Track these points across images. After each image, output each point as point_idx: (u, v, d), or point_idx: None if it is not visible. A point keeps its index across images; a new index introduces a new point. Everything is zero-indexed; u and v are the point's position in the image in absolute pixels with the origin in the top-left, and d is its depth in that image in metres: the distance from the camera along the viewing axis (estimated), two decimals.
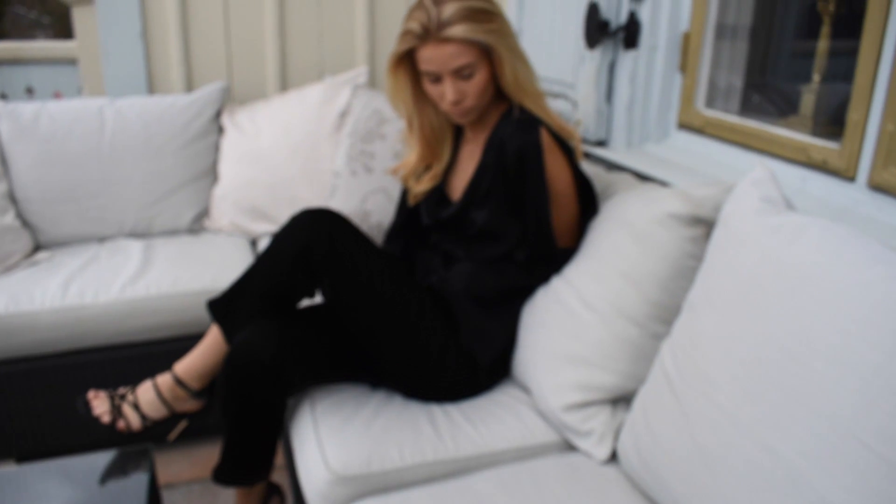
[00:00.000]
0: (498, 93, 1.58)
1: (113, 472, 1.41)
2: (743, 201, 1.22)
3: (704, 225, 1.35)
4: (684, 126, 2.02)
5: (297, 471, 1.47)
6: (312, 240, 1.47)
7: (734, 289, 1.12)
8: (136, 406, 1.55)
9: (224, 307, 1.54)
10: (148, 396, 1.56)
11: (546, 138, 1.49)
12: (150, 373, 2.01)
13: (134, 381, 2.01)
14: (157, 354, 2.01)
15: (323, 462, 1.33)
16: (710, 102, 2.01)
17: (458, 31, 1.43)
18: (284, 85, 2.70)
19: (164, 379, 1.56)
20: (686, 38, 1.98)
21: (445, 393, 1.52)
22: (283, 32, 2.67)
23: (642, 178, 1.86)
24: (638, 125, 2.08)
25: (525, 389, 1.55)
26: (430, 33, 1.45)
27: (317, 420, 1.44)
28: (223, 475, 1.54)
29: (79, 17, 2.96)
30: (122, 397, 1.56)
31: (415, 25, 1.47)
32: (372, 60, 2.73)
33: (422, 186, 1.73)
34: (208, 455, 2.11)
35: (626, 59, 2.05)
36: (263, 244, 2.33)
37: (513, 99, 1.56)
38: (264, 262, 1.53)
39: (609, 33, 2.02)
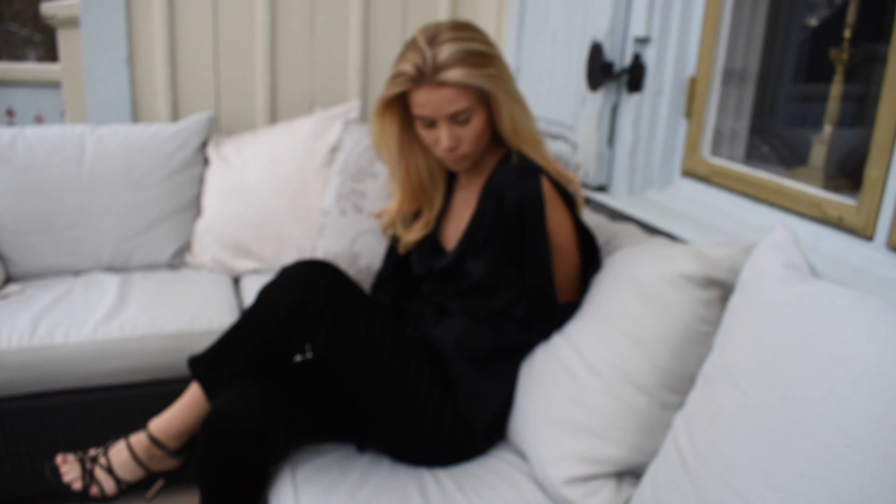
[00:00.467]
0: (494, 137, 1.51)
1: None
2: (764, 266, 1.13)
3: (720, 288, 1.26)
4: (689, 173, 1.95)
5: None
6: (308, 294, 1.37)
7: (757, 364, 1.03)
8: (109, 469, 1.44)
9: (206, 364, 1.43)
10: (122, 458, 1.45)
11: (547, 187, 1.41)
12: (123, 418, 1.91)
13: (105, 427, 1.90)
14: (130, 399, 1.90)
15: None
16: (716, 149, 1.94)
17: (454, 75, 1.36)
18: (274, 117, 2.62)
19: (138, 438, 1.45)
20: (692, 83, 1.91)
21: (438, 457, 1.42)
22: (274, 63, 2.58)
23: (646, 228, 1.77)
24: (640, 171, 2.01)
25: (521, 455, 1.45)
26: (424, 76, 1.37)
27: (298, 488, 1.33)
28: None
29: (64, 39, 2.88)
30: (94, 460, 1.45)
31: (408, 67, 1.39)
32: (364, 94, 2.65)
33: (412, 235, 1.65)
34: None
35: (630, 102, 1.98)
36: (247, 282, 2.23)
37: (510, 144, 1.49)
38: (253, 317, 1.43)
39: (613, 75, 1.95)
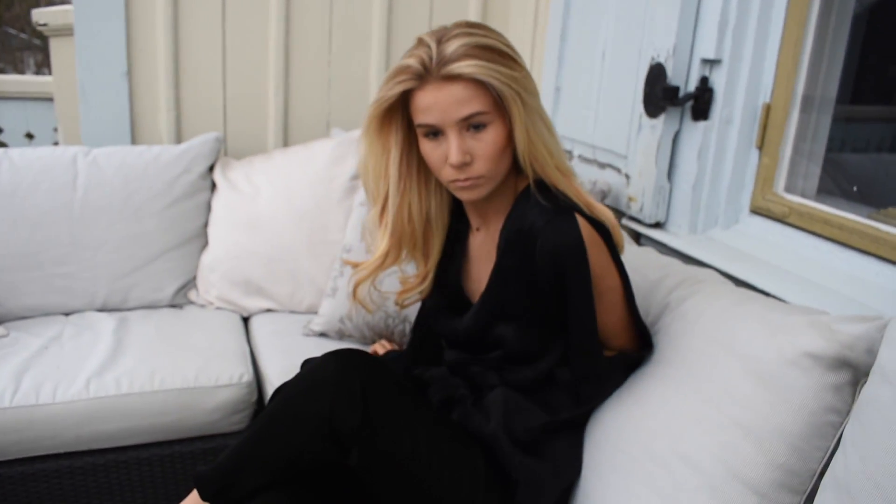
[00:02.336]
0: (515, 166, 1.24)
1: None
2: None
3: (851, 371, 1.04)
4: (759, 211, 1.73)
5: None
6: (340, 406, 1.10)
7: None
8: None
9: (220, 483, 1.14)
10: None
11: (585, 228, 1.16)
12: (118, 486, 1.67)
13: (98, 496, 1.66)
14: (126, 464, 1.67)
15: None
16: (790, 185, 1.72)
17: (464, 67, 1.10)
18: (287, 139, 2.39)
19: None
20: (767, 111, 1.69)
21: None
22: (288, 80, 2.35)
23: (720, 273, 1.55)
24: (704, 207, 1.79)
25: None
26: (430, 72, 1.12)
27: None
28: None
29: (57, 49, 2.65)
30: None
31: (411, 62, 1.13)
32: None
33: (407, 293, 1.42)
34: None
35: (695, 130, 1.76)
36: (257, 323, 2.00)
37: (531, 170, 1.19)
38: (272, 430, 1.14)
39: (677, 101, 1.73)
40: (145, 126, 2.29)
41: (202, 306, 2.07)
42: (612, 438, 1.23)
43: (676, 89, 1.73)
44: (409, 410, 1.17)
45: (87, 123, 2.21)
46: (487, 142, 1.15)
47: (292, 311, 2.05)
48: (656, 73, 1.76)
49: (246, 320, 2.06)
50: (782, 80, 1.66)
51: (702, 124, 1.75)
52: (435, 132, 1.16)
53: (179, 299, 2.07)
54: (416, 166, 1.27)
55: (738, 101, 1.72)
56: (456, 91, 1.12)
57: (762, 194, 1.71)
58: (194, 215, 2.09)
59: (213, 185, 2.14)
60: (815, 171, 1.74)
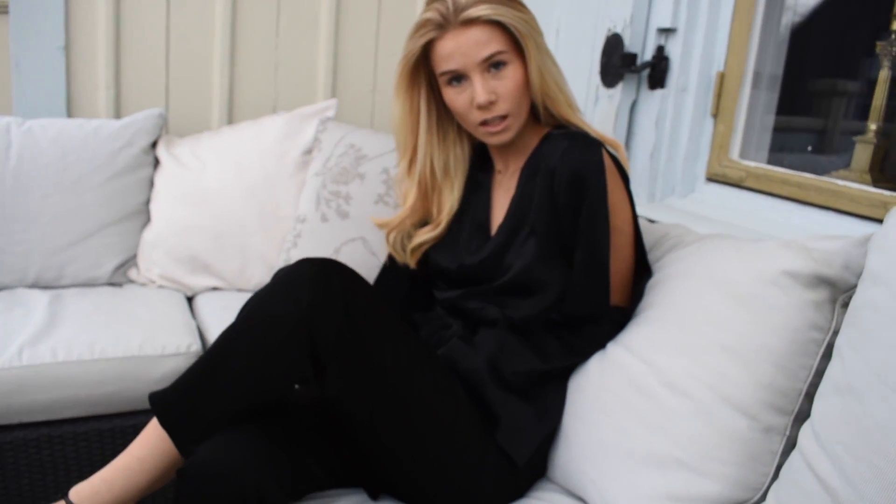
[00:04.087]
0: (533, 114, 1.29)
1: None
2: None
3: (831, 288, 1.04)
4: (715, 178, 1.75)
5: None
6: (319, 309, 1.03)
7: None
8: None
9: (178, 406, 1.06)
10: None
11: (607, 159, 1.19)
12: (52, 464, 1.55)
13: (31, 475, 1.54)
14: (61, 439, 1.54)
15: None
16: (745, 153, 1.75)
17: (482, 10, 1.17)
18: (231, 120, 2.31)
19: None
20: (721, 79, 1.72)
21: (477, 500, 1.14)
22: (234, 61, 2.29)
23: None
24: (661, 175, 1.80)
25: (575, 496, 1.18)
26: (449, 21, 1.18)
27: None
28: None
29: None
30: None
31: (431, 15, 1.19)
32: (335, 97, 2.38)
33: (419, 237, 1.38)
34: None
35: (652, 99, 1.78)
36: (203, 302, 1.90)
37: (550, 112, 1.27)
38: (242, 340, 1.07)
39: (635, 69, 1.75)
40: (83, 102, 2.18)
41: (143, 285, 1.96)
42: (595, 382, 1.20)
43: (634, 56, 1.75)
44: (392, 321, 1.11)
45: (19, 96, 2.09)
46: (509, 79, 1.20)
47: (240, 290, 1.96)
48: (613, 44, 1.78)
49: (190, 300, 1.96)
50: (735, 48, 1.70)
51: (658, 93, 1.77)
52: (458, 77, 1.21)
53: (118, 277, 1.96)
54: (437, 119, 1.32)
55: (693, 70, 1.75)
56: (475, 34, 1.17)
57: (718, 161, 1.74)
58: (136, 190, 1.98)
59: (156, 163, 2.05)
60: (768, 137, 1.78)
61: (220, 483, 0.99)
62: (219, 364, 1.07)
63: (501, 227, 1.28)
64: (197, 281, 1.95)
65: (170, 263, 1.94)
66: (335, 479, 1.18)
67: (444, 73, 1.21)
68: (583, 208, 1.16)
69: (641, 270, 1.29)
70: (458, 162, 1.37)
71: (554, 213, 1.19)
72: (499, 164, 1.36)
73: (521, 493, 1.20)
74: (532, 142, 1.28)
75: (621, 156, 1.26)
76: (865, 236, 1.04)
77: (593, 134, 1.25)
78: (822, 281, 1.04)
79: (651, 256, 1.32)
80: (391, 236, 1.42)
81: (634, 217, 1.26)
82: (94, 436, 1.56)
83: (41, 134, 1.92)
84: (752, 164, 1.68)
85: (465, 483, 1.12)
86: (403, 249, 1.42)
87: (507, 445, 1.16)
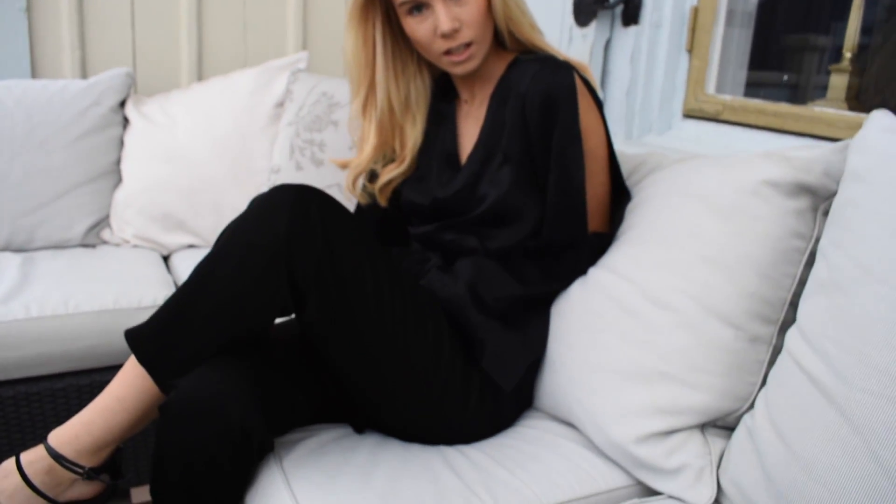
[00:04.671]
0: (497, 41, 1.25)
1: None
2: (886, 149, 0.91)
3: (811, 196, 1.03)
4: (691, 114, 1.74)
5: None
6: (298, 235, 0.99)
7: None
8: None
9: (156, 341, 1.03)
10: (10, 486, 1.01)
11: (579, 82, 1.16)
12: (28, 423, 1.52)
13: (12, 433, 1.51)
14: (38, 396, 1.52)
15: None
16: (721, 87, 1.74)
17: None
18: (201, 78, 2.27)
19: (34, 457, 1.02)
20: (695, 14, 1.71)
21: (461, 434, 1.13)
22: (201, 19, 2.24)
23: None
24: (638, 113, 1.79)
25: (561, 421, 1.18)
26: None
27: (289, 477, 1.01)
28: None
29: None
30: None
31: None
32: (306, 50, 2.34)
33: (387, 175, 1.35)
34: None
35: (626, 36, 1.77)
36: (179, 259, 1.87)
37: (515, 37, 1.23)
38: (219, 270, 1.02)
39: (607, 6, 1.73)
40: (47, 64, 2.13)
41: (117, 245, 1.93)
42: (577, 305, 1.18)
43: None
44: (372, 249, 1.08)
45: None
46: (472, 5, 1.16)
47: None
48: None
49: (166, 260, 1.93)
50: None
51: (632, 29, 1.75)
52: (419, 6, 1.16)
53: (92, 239, 1.92)
54: (394, 51, 1.28)
55: (666, 5, 1.73)
56: None
57: (695, 96, 1.73)
58: (105, 150, 1.94)
59: (126, 123, 2.01)
60: (743, 73, 1.77)
61: (205, 417, 0.97)
62: (196, 295, 1.03)
63: (472, 156, 1.25)
64: (172, 239, 1.92)
65: (143, 222, 1.90)
66: (319, 415, 1.16)
67: (404, 3, 1.16)
68: (555, 131, 1.14)
69: (620, 195, 1.27)
70: (419, 95, 1.33)
71: (526, 138, 1.17)
72: (464, 94, 1.32)
73: (508, 423, 1.19)
74: (498, 69, 1.25)
75: (590, 77, 1.24)
76: (844, 143, 1.03)
77: (561, 57, 1.22)
78: (802, 189, 1.03)
79: (629, 182, 1.31)
80: (357, 182, 1.38)
81: (609, 141, 1.24)
82: (72, 391, 1.54)
83: (5, 94, 1.87)
84: (728, 97, 1.67)
85: (450, 413, 1.10)
86: (369, 192, 1.39)
87: (493, 371, 1.14)
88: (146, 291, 1.59)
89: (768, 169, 1.05)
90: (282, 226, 0.99)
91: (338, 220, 1.04)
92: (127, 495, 1.70)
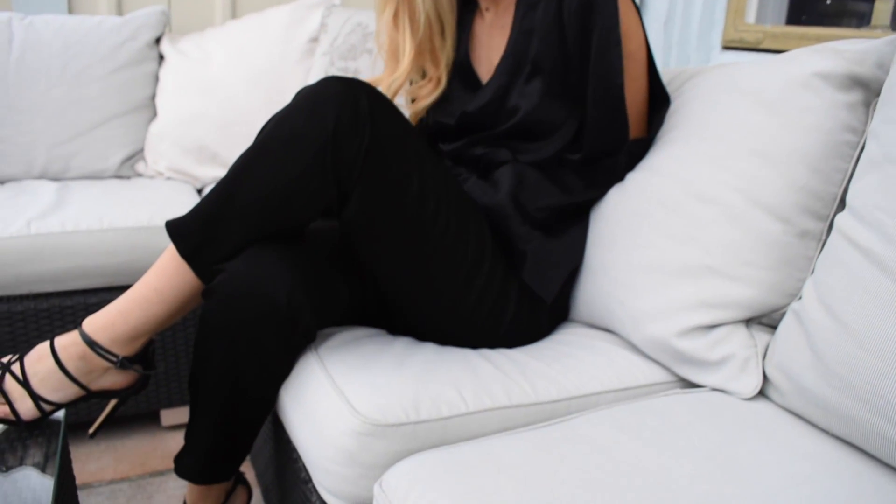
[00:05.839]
0: None
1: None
2: None
3: (863, 90, 1.00)
4: (731, 45, 1.70)
5: (284, 448, 1.02)
6: (345, 131, 0.94)
7: None
8: (25, 383, 0.98)
9: (199, 232, 1.00)
10: (43, 369, 0.99)
11: None
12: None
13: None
14: (72, 310, 1.53)
15: (347, 409, 0.89)
16: (761, 17, 1.70)
17: None
18: (235, 17, 2.27)
19: (68, 342, 1.00)
20: None
21: (498, 341, 1.11)
22: None
23: None
24: (676, 45, 1.76)
25: (599, 328, 1.16)
26: None
27: (325, 361, 1.00)
28: (195, 470, 1.08)
29: None
30: (5, 368, 0.99)
31: None
32: None
33: (424, 101, 1.33)
34: (137, 447, 1.62)
35: None
36: None
37: None
38: (263, 161, 0.97)
39: None
40: (84, 1, 2.13)
41: (151, 177, 1.94)
42: (618, 208, 1.15)
43: None
44: (421, 149, 1.05)
45: None
46: None
47: None
48: None
49: (199, 193, 1.93)
50: None
51: None
52: None
53: (126, 171, 1.93)
54: None
55: None
56: None
57: (734, 26, 1.69)
58: (141, 84, 1.95)
59: (161, 59, 2.01)
60: (783, 6, 1.73)
61: (253, 298, 0.95)
62: (238, 188, 0.99)
63: (500, 67, 1.21)
64: (205, 171, 1.92)
65: (177, 154, 1.91)
66: (356, 316, 1.15)
67: None
68: (594, 35, 1.09)
69: (659, 100, 1.24)
70: (449, 6, 1.28)
71: (561, 45, 1.12)
72: (485, 2, 1.27)
73: (544, 334, 1.17)
74: None
75: None
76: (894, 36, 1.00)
77: None
78: (855, 81, 1.00)
79: (670, 88, 1.27)
80: (395, 99, 1.33)
81: (647, 43, 1.21)
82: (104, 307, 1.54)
83: (43, 27, 1.88)
84: (768, 26, 1.63)
85: (487, 321, 1.09)
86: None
87: (533, 283, 1.12)
88: (180, 211, 1.59)
89: (818, 62, 1.01)
90: (329, 117, 0.95)
91: (387, 115, 1.01)
92: (156, 416, 1.71)
